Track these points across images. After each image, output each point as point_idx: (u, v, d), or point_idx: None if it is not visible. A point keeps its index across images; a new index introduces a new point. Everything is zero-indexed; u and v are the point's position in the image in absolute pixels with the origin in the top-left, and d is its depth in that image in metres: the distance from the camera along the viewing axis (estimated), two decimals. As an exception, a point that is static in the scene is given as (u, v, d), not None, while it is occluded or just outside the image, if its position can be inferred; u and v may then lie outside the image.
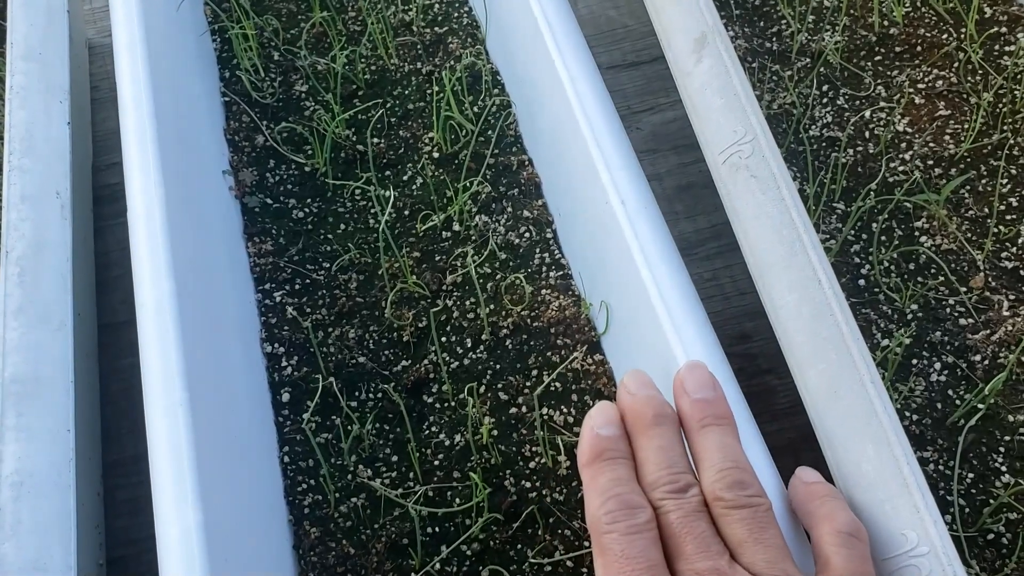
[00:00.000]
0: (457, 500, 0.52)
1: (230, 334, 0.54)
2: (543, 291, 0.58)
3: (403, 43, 0.69)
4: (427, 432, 0.54)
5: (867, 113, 0.63)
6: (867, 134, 0.63)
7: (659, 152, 0.72)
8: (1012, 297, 0.56)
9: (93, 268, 0.67)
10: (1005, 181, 0.60)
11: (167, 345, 0.45)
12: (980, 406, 0.52)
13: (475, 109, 0.66)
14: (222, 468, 0.45)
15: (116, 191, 0.71)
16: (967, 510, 0.50)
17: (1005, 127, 0.61)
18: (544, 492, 0.52)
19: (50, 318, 0.50)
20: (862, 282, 0.57)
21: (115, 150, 0.73)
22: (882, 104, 0.64)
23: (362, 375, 0.56)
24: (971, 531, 0.49)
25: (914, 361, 0.54)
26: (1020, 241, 0.58)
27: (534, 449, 0.53)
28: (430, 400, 0.55)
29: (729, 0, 0.69)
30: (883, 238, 0.59)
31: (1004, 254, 0.57)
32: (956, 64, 0.64)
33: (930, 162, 0.61)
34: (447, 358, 0.56)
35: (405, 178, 0.63)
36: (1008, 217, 0.59)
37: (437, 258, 0.60)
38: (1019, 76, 0.63)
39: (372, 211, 0.62)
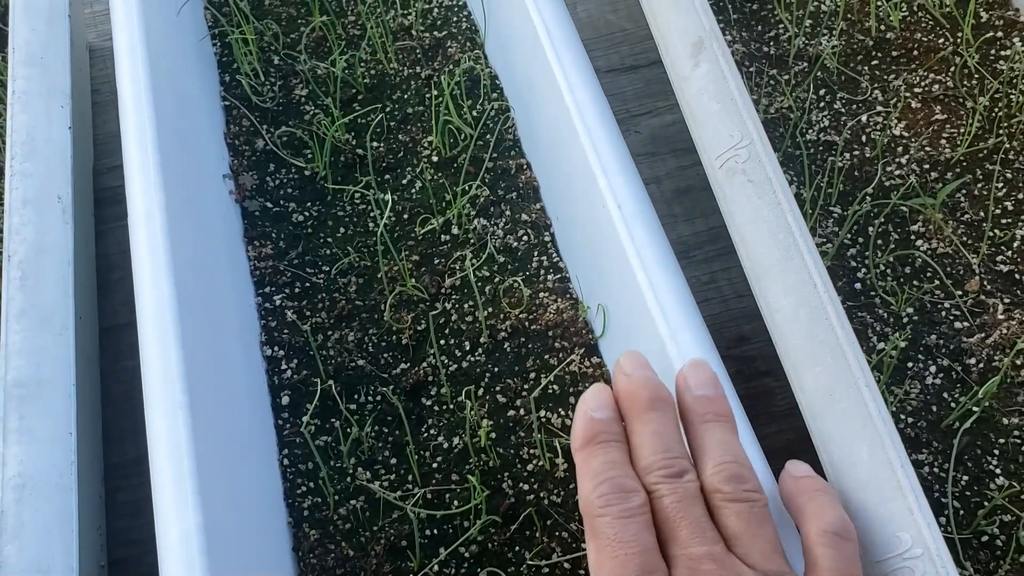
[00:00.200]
0: (455, 502, 0.52)
1: (230, 337, 0.55)
2: (541, 294, 0.58)
3: (402, 47, 0.70)
4: (426, 435, 0.55)
5: (864, 117, 0.64)
6: (864, 138, 0.63)
7: (657, 155, 0.73)
8: (1007, 301, 0.56)
9: (94, 271, 0.67)
10: (1000, 185, 0.60)
11: (167, 348, 0.45)
12: (975, 409, 0.52)
13: (474, 113, 0.66)
14: (222, 470, 0.45)
15: (117, 194, 0.71)
16: (961, 512, 0.51)
17: (1001, 131, 0.62)
18: (542, 494, 0.52)
19: (52, 321, 0.51)
20: (858, 285, 0.57)
21: (116, 153, 0.73)
22: (879, 108, 0.64)
23: (361, 378, 0.56)
24: (965, 533, 0.50)
25: (909, 364, 0.55)
26: (1015, 245, 0.58)
27: (532, 452, 0.53)
28: (429, 403, 0.56)
29: (726, 4, 0.69)
30: (879, 242, 0.59)
31: (999, 258, 0.58)
32: (952, 68, 0.65)
33: (926, 166, 0.61)
34: (446, 361, 0.57)
35: (404, 182, 0.64)
36: (1003, 221, 0.59)
37: (436, 261, 0.60)
38: (1015, 80, 0.63)
39: (371, 215, 0.62)
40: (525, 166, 0.63)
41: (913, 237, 0.59)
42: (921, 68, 0.65)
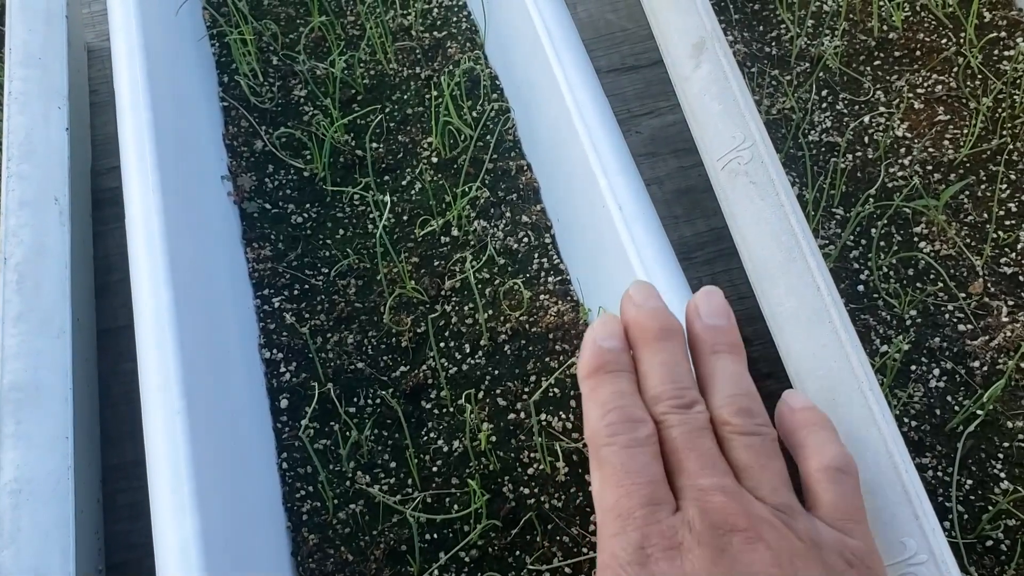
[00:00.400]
0: (455, 507, 0.52)
1: (229, 340, 0.54)
2: (542, 296, 0.58)
3: (402, 48, 0.69)
4: (425, 438, 0.54)
5: (866, 118, 0.63)
6: (866, 139, 0.63)
7: (658, 156, 0.72)
8: (1011, 303, 0.56)
9: (92, 272, 0.67)
10: (1004, 186, 0.60)
11: (165, 353, 0.45)
12: (979, 412, 0.52)
13: (474, 114, 0.66)
14: (220, 475, 0.45)
15: (115, 195, 0.71)
16: (966, 517, 0.50)
17: (1004, 132, 0.61)
18: (543, 499, 0.52)
19: (49, 325, 0.50)
20: (861, 288, 0.57)
21: (114, 154, 0.73)
22: (881, 109, 0.64)
23: (360, 381, 0.56)
24: (970, 538, 0.49)
25: (913, 367, 0.54)
26: (1019, 247, 0.58)
27: (532, 455, 0.53)
28: (428, 406, 0.55)
29: (728, 4, 0.69)
30: (882, 244, 0.59)
31: (1003, 260, 0.57)
32: (955, 69, 0.64)
33: (929, 167, 0.61)
34: (445, 364, 0.56)
35: (404, 183, 0.63)
36: (1007, 223, 0.59)
37: (436, 263, 0.60)
38: (1018, 81, 0.63)
39: (371, 216, 0.62)
40: (525, 167, 0.63)
41: (916, 239, 0.59)
42: (924, 68, 0.65)
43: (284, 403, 0.55)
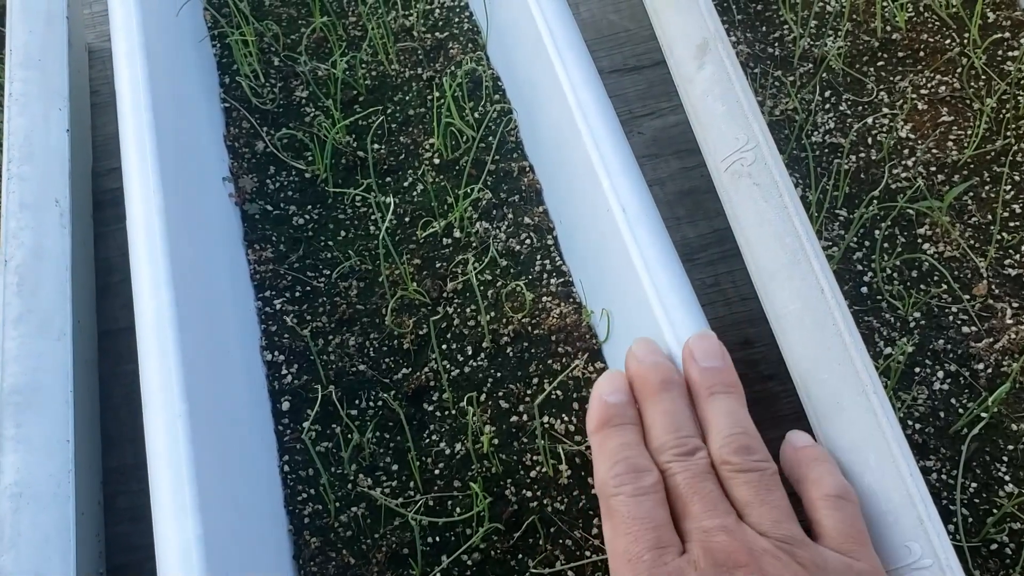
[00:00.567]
0: (458, 509, 0.52)
1: (230, 342, 0.54)
2: (544, 298, 0.58)
3: (404, 48, 0.69)
4: (427, 441, 0.54)
5: (870, 119, 0.63)
6: (870, 140, 0.62)
7: (661, 157, 0.72)
8: (1015, 305, 0.55)
9: (93, 274, 0.67)
10: (1008, 188, 0.59)
11: (166, 355, 0.44)
12: (983, 415, 0.52)
13: (476, 115, 0.65)
14: (222, 479, 0.44)
15: (116, 196, 0.71)
16: (970, 520, 0.50)
17: (1008, 133, 0.61)
18: (545, 501, 0.51)
19: (50, 327, 0.50)
20: (864, 289, 0.57)
21: (115, 155, 0.72)
22: (885, 110, 0.63)
23: (362, 383, 0.56)
24: (974, 541, 0.49)
25: (917, 369, 0.54)
26: (1023, 248, 0.57)
27: (535, 458, 0.53)
28: (430, 408, 0.55)
29: (730, 5, 0.69)
30: (886, 245, 0.58)
31: (1007, 261, 0.57)
32: (959, 69, 0.64)
33: (933, 168, 0.61)
34: (447, 366, 0.56)
35: (405, 184, 0.63)
36: (1011, 224, 0.58)
37: (438, 265, 0.60)
38: (1022, 81, 0.62)
39: (372, 218, 0.62)
40: (527, 168, 0.63)
41: (920, 240, 0.58)
42: (927, 69, 0.64)
43: (285, 405, 0.55)
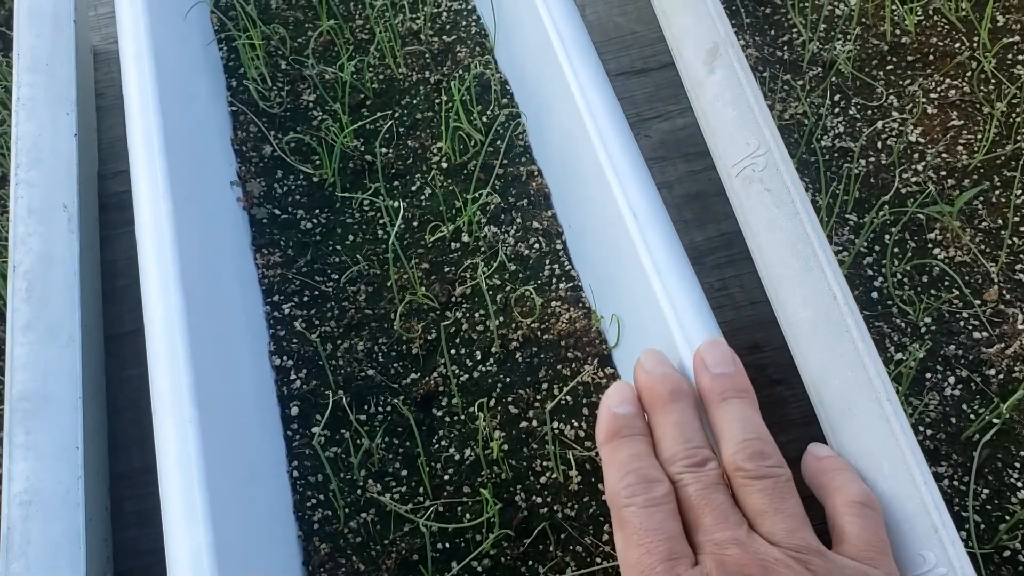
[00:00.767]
0: (467, 516, 0.51)
1: (239, 348, 0.54)
2: (553, 303, 0.57)
3: (411, 52, 0.69)
4: (437, 446, 0.54)
5: (879, 123, 0.63)
6: (879, 144, 0.62)
7: (668, 160, 0.72)
8: (1027, 310, 0.55)
9: (100, 278, 0.66)
10: (1019, 192, 0.59)
11: (176, 362, 0.44)
12: (995, 421, 0.52)
13: (484, 119, 0.65)
14: (232, 485, 0.44)
15: (122, 199, 0.71)
16: (982, 526, 0.50)
17: (1019, 137, 0.61)
18: (555, 508, 0.51)
19: (58, 334, 0.50)
20: (875, 295, 0.57)
21: (121, 158, 0.73)
22: (894, 114, 0.63)
23: (371, 388, 0.56)
24: (987, 548, 0.49)
25: (928, 375, 0.54)
26: (1034, 253, 0.57)
27: (545, 464, 0.53)
28: (440, 414, 0.55)
29: (739, 8, 0.68)
30: (896, 250, 0.58)
31: (1019, 266, 0.57)
32: (969, 73, 0.64)
33: (943, 173, 0.61)
34: (456, 371, 0.56)
35: (413, 188, 0.63)
36: (1022, 229, 0.58)
37: (446, 269, 0.60)
38: (1033, 85, 0.62)
39: (380, 222, 0.62)
40: (536, 173, 0.63)
41: (930, 245, 0.58)
42: (937, 73, 0.64)
43: (294, 410, 0.55)
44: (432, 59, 0.69)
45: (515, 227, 0.61)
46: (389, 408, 0.55)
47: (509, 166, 0.63)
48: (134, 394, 0.63)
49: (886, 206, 0.59)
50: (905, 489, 0.41)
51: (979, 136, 0.61)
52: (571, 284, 0.58)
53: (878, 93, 0.64)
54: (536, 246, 0.60)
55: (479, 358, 0.56)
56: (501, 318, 0.57)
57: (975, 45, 0.65)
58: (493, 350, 0.56)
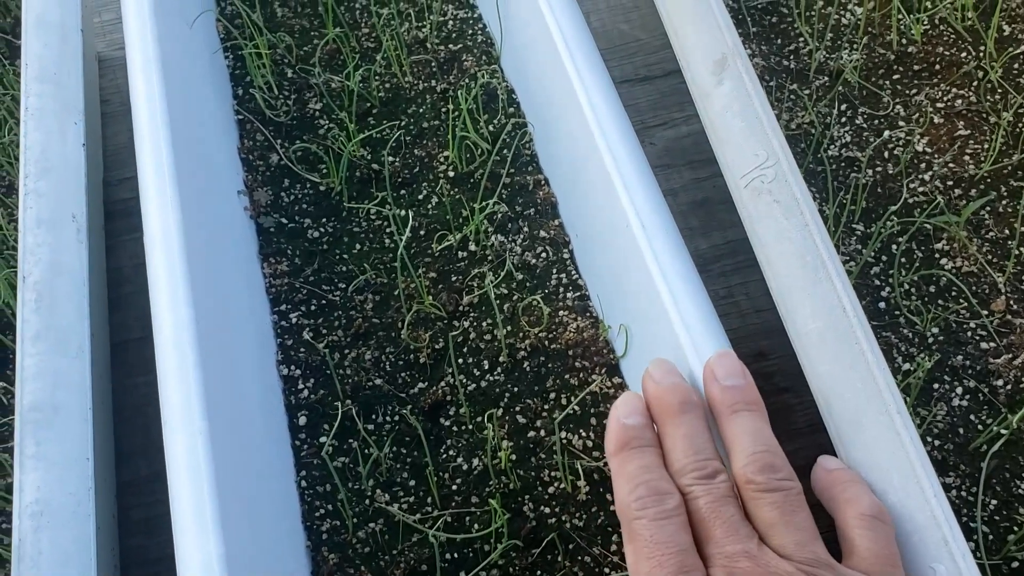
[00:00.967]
0: (476, 526, 0.51)
1: (247, 357, 0.54)
2: (561, 312, 0.58)
3: (417, 61, 0.69)
4: (445, 456, 0.54)
5: (886, 133, 0.63)
6: (886, 154, 0.62)
7: (673, 167, 0.72)
8: (1034, 320, 0.55)
9: (106, 286, 0.66)
10: (1026, 202, 0.59)
11: (186, 373, 0.44)
12: (1003, 432, 0.52)
13: (491, 128, 0.65)
14: (242, 496, 0.44)
15: (128, 206, 0.71)
16: (991, 537, 0.50)
17: (1025, 147, 0.61)
18: (564, 518, 0.51)
19: (67, 345, 0.50)
20: (882, 305, 0.57)
21: (126, 165, 0.73)
22: (901, 124, 0.63)
23: (379, 398, 0.56)
24: (995, 559, 0.49)
25: (935, 386, 0.54)
26: (1041, 263, 0.57)
27: (553, 474, 0.53)
28: (447, 423, 0.55)
29: (746, 18, 0.68)
30: (903, 260, 0.58)
31: (1025, 276, 0.57)
32: (975, 83, 0.64)
33: (950, 183, 0.61)
34: (464, 380, 0.56)
35: (420, 197, 0.63)
36: (1029, 239, 0.58)
37: (453, 278, 0.60)
38: (1039, 95, 0.62)
39: (388, 231, 0.62)
40: (543, 182, 0.63)
41: (937, 255, 0.58)
42: (944, 82, 0.64)
43: (302, 420, 0.55)
44: (439, 68, 0.69)
45: (522, 236, 0.61)
46: (397, 418, 0.55)
47: (516, 175, 0.63)
48: (140, 401, 0.63)
49: (893, 216, 0.59)
50: (915, 502, 0.41)
51: (986, 146, 0.61)
52: (578, 293, 0.58)
53: (885, 102, 0.64)
54: (543, 255, 0.60)
55: (487, 367, 0.56)
56: (509, 327, 0.57)
57: (981, 55, 0.65)
58: (501, 359, 0.56)
